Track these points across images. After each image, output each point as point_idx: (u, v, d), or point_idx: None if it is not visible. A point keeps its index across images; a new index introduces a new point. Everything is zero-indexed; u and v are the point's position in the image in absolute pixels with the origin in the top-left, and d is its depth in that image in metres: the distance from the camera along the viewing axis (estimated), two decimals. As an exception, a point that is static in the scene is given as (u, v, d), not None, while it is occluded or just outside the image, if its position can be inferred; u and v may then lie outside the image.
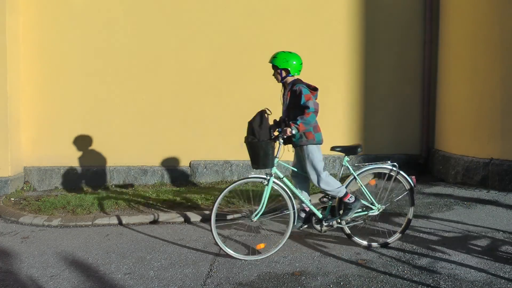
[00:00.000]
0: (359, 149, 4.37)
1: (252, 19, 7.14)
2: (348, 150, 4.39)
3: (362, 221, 4.41)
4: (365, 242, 4.33)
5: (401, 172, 4.30)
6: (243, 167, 7.21)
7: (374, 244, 4.32)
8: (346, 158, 4.38)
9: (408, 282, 3.59)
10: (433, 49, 7.15)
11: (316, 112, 4.18)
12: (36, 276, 4.02)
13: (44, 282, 3.89)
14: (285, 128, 4.09)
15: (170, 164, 7.28)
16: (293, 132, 4.08)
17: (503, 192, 5.80)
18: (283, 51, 4.31)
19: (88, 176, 7.20)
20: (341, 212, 4.27)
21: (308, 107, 4.13)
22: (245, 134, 4.39)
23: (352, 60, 7.20)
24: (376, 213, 4.34)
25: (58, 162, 7.22)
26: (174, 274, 3.95)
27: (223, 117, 7.20)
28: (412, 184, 4.30)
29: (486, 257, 3.96)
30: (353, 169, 4.34)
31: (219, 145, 7.24)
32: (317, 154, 4.26)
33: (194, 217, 5.48)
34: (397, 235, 4.34)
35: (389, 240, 4.32)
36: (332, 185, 4.23)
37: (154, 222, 5.43)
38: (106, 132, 7.22)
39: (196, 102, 7.22)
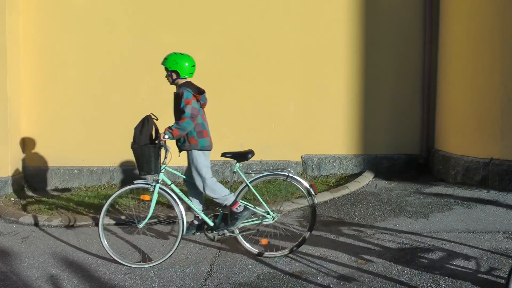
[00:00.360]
0: (249, 155, 4.23)
1: (253, 20, 7.13)
2: (239, 156, 4.24)
3: (255, 230, 4.30)
4: (257, 251, 4.23)
5: (298, 179, 4.17)
6: (243, 167, 7.20)
7: (277, 252, 4.22)
8: (238, 164, 4.24)
9: (408, 282, 3.59)
10: (433, 49, 7.14)
11: (192, 117, 4.05)
12: (36, 276, 4.02)
13: (44, 282, 3.90)
14: (159, 134, 4.07)
15: (170, 164, 7.25)
16: (166, 137, 4.03)
17: (503, 192, 5.80)
18: (175, 53, 4.23)
19: (88, 176, 7.20)
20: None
21: (184, 112, 4.05)
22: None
23: (352, 60, 7.20)
24: (271, 222, 4.21)
25: (58, 162, 7.22)
26: (174, 274, 3.96)
27: (223, 117, 7.19)
28: (312, 191, 4.13)
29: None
30: (245, 177, 4.21)
31: (219, 145, 7.22)
32: (201, 159, 4.17)
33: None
34: (301, 240, 4.21)
35: (295, 245, 4.22)
36: (219, 193, 4.14)
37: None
38: (106, 132, 7.21)
39: (196, 102, 7.21)
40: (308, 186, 4.15)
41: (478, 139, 6.21)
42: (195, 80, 7.18)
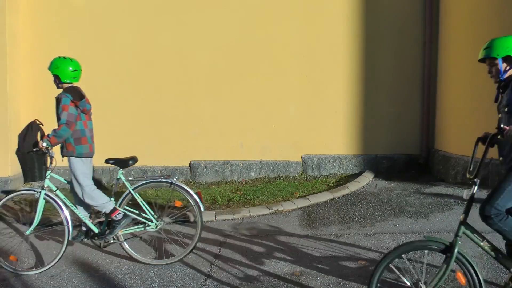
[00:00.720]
0: (131, 162, 4.22)
1: (253, 20, 7.14)
2: (121, 163, 4.21)
3: (139, 237, 4.29)
4: (148, 259, 4.22)
5: (184, 186, 4.13)
6: (243, 167, 7.21)
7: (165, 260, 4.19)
8: (121, 171, 4.22)
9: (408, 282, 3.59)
10: (432, 49, 7.14)
11: (68, 124, 4.03)
12: (36, 276, 4.03)
13: (44, 282, 3.90)
14: (39, 141, 4.07)
15: (170, 164, 7.28)
16: (44, 145, 4.02)
17: (503, 192, 5.79)
18: (59, 57, 4.21)
19: (88, 176, 7.20)
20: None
21: (59, 119, 4.04)
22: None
23: (352, 61, 7.20)
24: (154, 229, 4.19)
25: (58, 162, 7.18)
26: (174, 274, 3.96)
27: (223, 117, 7.20)
28: (198, 199, 4.11)
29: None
30: (129, 183, 4.19)
31: (219, 145, 7.24)
32: (79, 166, 4.16)
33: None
34: (190, 248, 4.15)
35: (184, 254, 4.17)
36: (97, 200, 4.13)
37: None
38: (106, 132, 7.18)
39: (196, 102, 7.22)
40: (194, 194, 4.12)
41: (478, 139, 6.20)
42: (193, 78, 7.22)
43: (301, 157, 7.28)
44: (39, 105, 7.18)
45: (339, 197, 6.05)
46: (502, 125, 2.84)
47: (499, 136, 2.84)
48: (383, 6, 7.13)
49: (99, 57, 7.16)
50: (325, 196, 6.03)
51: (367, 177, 6.80)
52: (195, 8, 7.13)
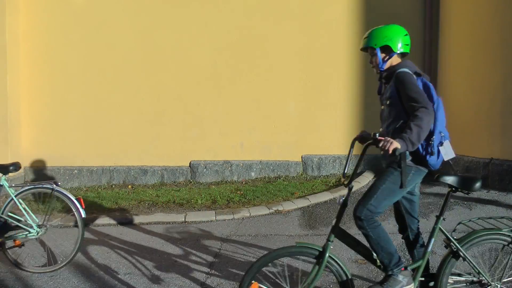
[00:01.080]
0: (11, 168, 4.17)
1: (253, 21, 7.13)
2: (2, 169, 4.17)
3: (22, 244, 4.24)
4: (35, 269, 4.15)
5: (65, 192, 4.09)
6: (243, 167, 7.21)
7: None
8: (4, 177, 4.18)
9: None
10: (433, 49, 7.14)
11: None
12: (36, 276, 4.03)
13: (44, 282, 3.90)
14: None
15: (170, 164, 7.28)
16: None
17: (503, 192, 5.80)
18: None
19: (88, 176, 7.20)
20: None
21: None
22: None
23: (352, 60, 7.20)
24: (36, 236, 4.15)
25: (58, 162, 7.22)
26: (174, 274, 3.96)
27: (223, 117, 7.20)
28: (78, 205, 4.07)
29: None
30: (12, 190, 4.14)
31: (219, 145, 7.24)
32: None
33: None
34: (73, 253, 4.12)
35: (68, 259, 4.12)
36: None
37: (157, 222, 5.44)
38: (106, 132, 7.22)
39: (196, 102, 7.22)
40: (75, 200, 4.10)
41: (478, 139, 6.21)
42: (193, 78, 7.22)
43: (301, 157, 7.28)
44: (39, 104, 7.19)
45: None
46: (377, 135, 2.80)
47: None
48: (383, 5, 7.12)
49: (99, 57, 7.16)
50: (325, 196, 6.03)
51: (367, 177, 6.80)
52: (195, 8, 7.13)
